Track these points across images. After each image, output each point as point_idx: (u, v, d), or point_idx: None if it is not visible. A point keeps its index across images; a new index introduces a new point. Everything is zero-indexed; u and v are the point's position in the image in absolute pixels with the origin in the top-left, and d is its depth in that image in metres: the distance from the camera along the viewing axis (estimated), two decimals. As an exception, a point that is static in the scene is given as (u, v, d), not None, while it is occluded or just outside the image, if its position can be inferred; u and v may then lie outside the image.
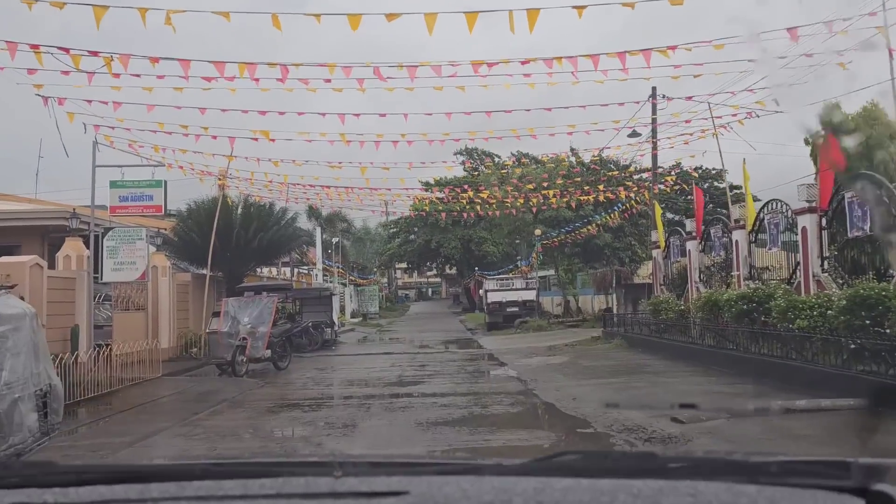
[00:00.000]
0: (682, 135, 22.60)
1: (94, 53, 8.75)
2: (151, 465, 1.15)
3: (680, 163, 32.73)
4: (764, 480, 1.01)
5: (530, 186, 27.97)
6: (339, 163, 18.91)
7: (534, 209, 29.12)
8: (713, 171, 37.66)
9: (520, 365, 16.38)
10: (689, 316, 17.18)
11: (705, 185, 35.92)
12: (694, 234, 19.52)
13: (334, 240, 50.37)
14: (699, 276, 18.95)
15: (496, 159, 42.92)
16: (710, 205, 28.55)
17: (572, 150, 31.36)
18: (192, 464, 1.14)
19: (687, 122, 19.08)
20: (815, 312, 11.30)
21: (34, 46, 8.29)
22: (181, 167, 18.42)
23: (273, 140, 15.02)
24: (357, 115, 14.19)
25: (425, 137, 16.40)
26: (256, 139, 14.81)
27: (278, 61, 9.73)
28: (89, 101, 12.11)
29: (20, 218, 18.58)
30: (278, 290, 20.43)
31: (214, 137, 14.97)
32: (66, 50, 8.37)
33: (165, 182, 16.58)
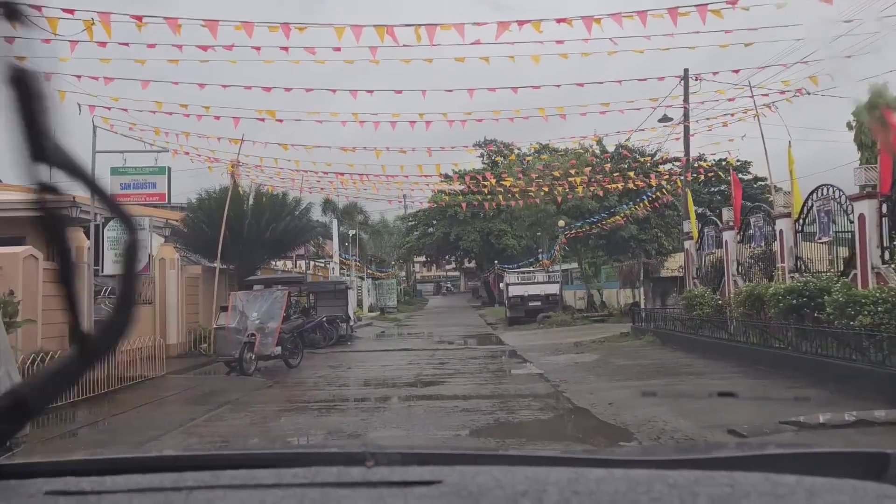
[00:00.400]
0: (723, 115, 21.08)
1: (70, 11, 7.79)
2: (185, 455, 1.12)
3: (703, 155, 31.38)
4: (803, 471, 0.96)
5: (557, 174, 26.76)
6: (353, 148, 17.86)
7: (558, 199, 27.95)
8: (738, 162, 36.38)
9: (546, 363, 15.33)
10: (727, 311, 16.07)
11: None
12: (731, 223, 18.24)
13: (351, 232, 49.55)
14: (737, 269, 17.73)
15: (517, 151, 41.82)
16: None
17: (598, 140, 30.05)
18: (225, 453, 1.16)
19: (731, 99, 17.76)
20: (880, 308, 10.23)
21: (-2, 3, 7.33)
22: (187, 153, 17.49)
23: (280, 121, 14.02)
24: (370, 91, 13.10)
25: (445, 118, 15.18)
26: (263, 119, 13.81)
27: (279, 35, 8.67)
28: (78, 77, 11.18)
29: (21, 208, 17.82)
30: (290, 283, 19.56)
31: (217, 118, 13.98)
32: (39, 8, 7.42)
33: (169, 168, 15.68)
